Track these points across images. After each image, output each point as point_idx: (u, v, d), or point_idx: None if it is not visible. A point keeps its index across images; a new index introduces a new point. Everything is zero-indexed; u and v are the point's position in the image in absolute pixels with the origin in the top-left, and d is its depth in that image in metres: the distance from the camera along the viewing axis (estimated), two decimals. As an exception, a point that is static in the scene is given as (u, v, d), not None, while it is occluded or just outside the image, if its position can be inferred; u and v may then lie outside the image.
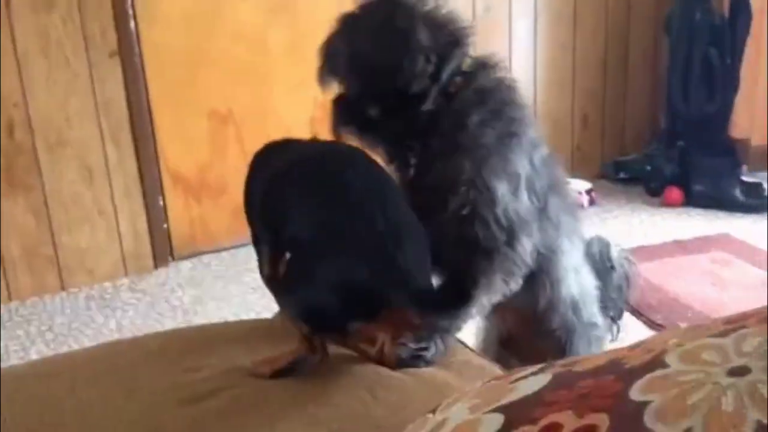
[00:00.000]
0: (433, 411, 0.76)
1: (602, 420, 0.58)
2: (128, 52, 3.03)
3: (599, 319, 1.66)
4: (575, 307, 1.58)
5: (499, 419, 0.64)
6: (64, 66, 2.93)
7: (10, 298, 3.02)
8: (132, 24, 3.03)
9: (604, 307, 1.71)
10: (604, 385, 0.62)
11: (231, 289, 3.01)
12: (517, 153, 1.35)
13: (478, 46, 1.42)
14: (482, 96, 1.35)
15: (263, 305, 2.78)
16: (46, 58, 2.90)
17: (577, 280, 1.58)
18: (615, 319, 1.78)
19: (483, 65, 1.39)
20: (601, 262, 1.71)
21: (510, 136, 1.34)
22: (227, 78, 3.27)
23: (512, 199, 1.34)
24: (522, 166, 1.36)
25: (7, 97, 2.87)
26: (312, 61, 1.41)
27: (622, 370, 0.63)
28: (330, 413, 1.06)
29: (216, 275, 3.18)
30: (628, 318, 2.59)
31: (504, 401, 0.67)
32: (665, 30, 3.72)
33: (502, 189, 1.32)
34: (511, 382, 0.71)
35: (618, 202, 3.75)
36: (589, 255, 1.69)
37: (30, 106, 2.92)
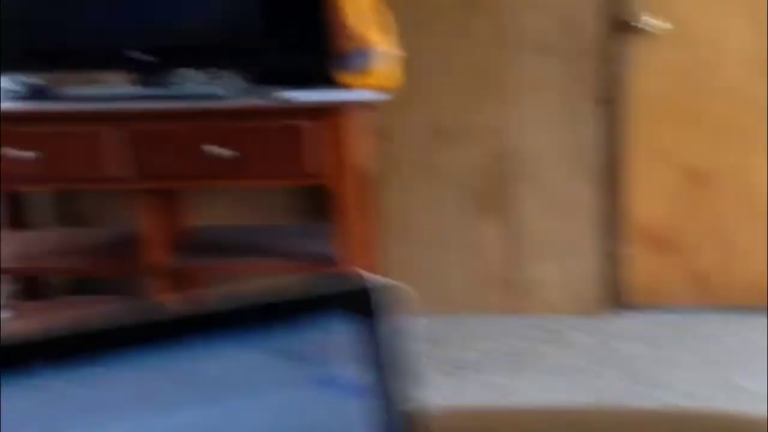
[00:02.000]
0: None
1: None
2: (614, 98, 3.09)
3: None
4: None
5: None
6: (549, 107, 3.10)
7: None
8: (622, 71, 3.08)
9: None
10: None
11: (679, 353, 2.90)
12: None
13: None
14: None
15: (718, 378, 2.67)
16: (534, 97, 3.09)
17: None
18: None
19: None
20: None
21: None
22: (709, 136, 3.15)
23: None
24: None
25: (500, 130, 3.12)
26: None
27: None
28: None
29: (666, 335, 3.08)
30: None
31: None
32: None
33: None
34: None
35: None
36: None
37: (516, 140, 3.13)
